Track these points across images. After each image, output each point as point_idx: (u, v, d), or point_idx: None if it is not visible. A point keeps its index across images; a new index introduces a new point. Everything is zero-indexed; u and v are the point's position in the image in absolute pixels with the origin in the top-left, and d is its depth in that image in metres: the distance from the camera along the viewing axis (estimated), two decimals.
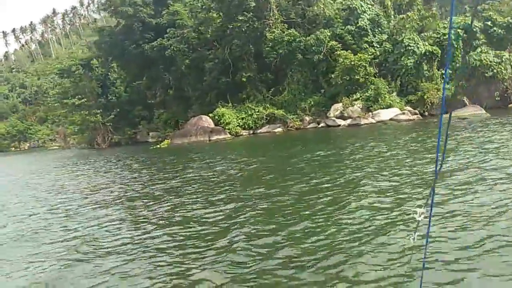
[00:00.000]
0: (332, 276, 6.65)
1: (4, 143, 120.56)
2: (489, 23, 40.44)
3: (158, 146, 40.44)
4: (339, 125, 35.03)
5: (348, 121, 34.89)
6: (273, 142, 31.53)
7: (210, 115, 42.86)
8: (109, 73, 59.81)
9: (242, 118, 42.12)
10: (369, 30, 38.82)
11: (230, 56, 44.55)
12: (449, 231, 7.80)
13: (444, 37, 36.36)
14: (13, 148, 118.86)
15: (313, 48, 38.72)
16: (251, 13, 41.56)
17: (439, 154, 2.51)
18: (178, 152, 32.12)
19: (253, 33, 42.13)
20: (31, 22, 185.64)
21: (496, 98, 33.65)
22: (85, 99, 53.84)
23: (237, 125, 41.54)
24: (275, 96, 43.22)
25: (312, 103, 39.76)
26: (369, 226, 8.63)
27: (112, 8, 53.19)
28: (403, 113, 31.59)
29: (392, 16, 41.00)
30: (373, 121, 33.04)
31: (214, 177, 17.07)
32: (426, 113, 33.11)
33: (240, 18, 41.50)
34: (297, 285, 6.50)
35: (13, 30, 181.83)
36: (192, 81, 50.73)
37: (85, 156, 41.85)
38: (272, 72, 44.01)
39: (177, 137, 41.11)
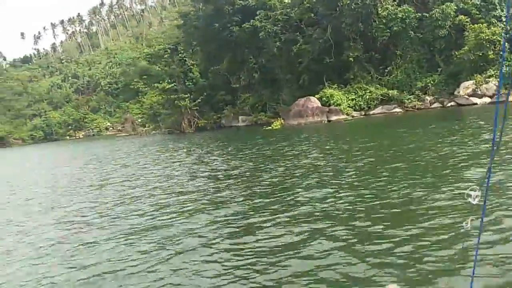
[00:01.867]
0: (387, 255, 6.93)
1: (60, 131, 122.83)
2: None
3: (270, 127, 39.45)
4: (475, 104, 33.13)
5: (485, 99, 32.98)
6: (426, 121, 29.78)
7: (317, 96, 41.59)
8: (186, 59, 59.14)
9: (352, 99, 40.71)
10: (497, 4, 36.64)
11: (332, 35, 43.09)
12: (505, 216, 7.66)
13: None
14: (68, 137, 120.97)
15: (439, 22, 36.73)
16: None
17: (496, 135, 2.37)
18: (317, 132, 30.79)
19: (363, 11, 40.46)
20: (79, 13, 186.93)
21: None
22: (174, 83, 53.42)
23: (348, 106, 40.18)
24: (384, 76, 41.61)
25: (432, 82, 37.94)
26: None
27: None
28: None
29: None
30: None
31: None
32: None
33: None
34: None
35: (62, 22, 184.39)
36: (284, 64, 49.62)
37: (204, 141, 38.16)
38: (378, 51, 42.36)
39: (290, 118, 40.03)
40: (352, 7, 40.32)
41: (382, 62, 42.29)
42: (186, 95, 53.88)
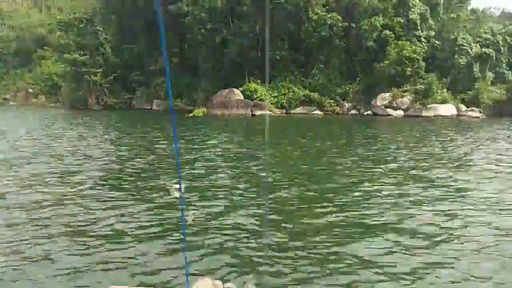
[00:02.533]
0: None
1: None
2: None
3: (192, 114, 38.06)
4: (390, 115, 35.17)
5: (399, 112, 35.17)
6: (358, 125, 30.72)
7: (240, 89, 41.28)
8: (99, 32, 55.10)
9: (275, 97, 41.05)
10: (418, 25, 39.30)
11: (261, 32, 43.05)
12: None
13: (488, 42, 37.79)
14: None
15: (366, 34, 38.40)
16: None
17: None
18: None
19: (295, 11, 41.00)
20: None
21: None
22: (87, 56, 49.51)
23: (270, 103, 40.41)
24: (306, 78, 42.55)
25: (352, 89, 39.65)
26: None
27: None
28: (472, 110, 32.49)
29: (441, 14, 41.74)
30: (430, 114, 33.57)
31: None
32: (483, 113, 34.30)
33: None
34: None
35: None
36: (207, 53, 48.51)
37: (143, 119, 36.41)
38: (304, 54, 43.25)
39: (214, 108, 39.18)
40: (285, 6, 40.67)
41: (306, 64, 43.19)
42: (98, 70, 50.26)
